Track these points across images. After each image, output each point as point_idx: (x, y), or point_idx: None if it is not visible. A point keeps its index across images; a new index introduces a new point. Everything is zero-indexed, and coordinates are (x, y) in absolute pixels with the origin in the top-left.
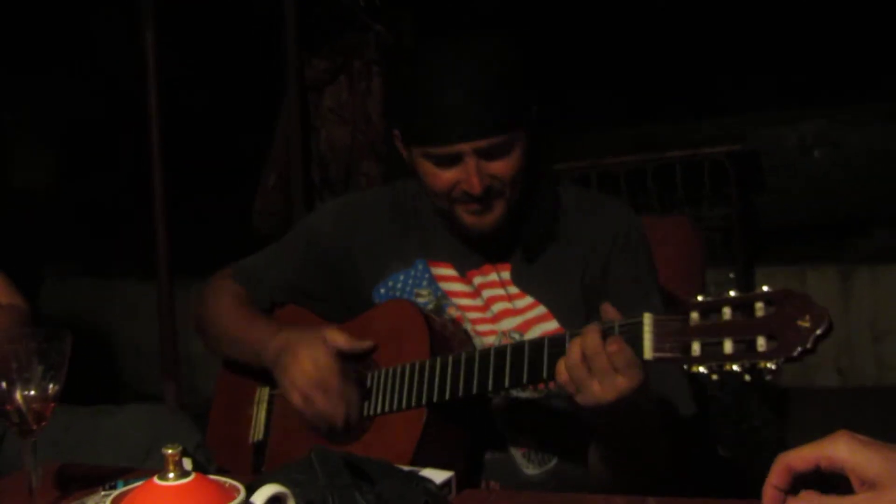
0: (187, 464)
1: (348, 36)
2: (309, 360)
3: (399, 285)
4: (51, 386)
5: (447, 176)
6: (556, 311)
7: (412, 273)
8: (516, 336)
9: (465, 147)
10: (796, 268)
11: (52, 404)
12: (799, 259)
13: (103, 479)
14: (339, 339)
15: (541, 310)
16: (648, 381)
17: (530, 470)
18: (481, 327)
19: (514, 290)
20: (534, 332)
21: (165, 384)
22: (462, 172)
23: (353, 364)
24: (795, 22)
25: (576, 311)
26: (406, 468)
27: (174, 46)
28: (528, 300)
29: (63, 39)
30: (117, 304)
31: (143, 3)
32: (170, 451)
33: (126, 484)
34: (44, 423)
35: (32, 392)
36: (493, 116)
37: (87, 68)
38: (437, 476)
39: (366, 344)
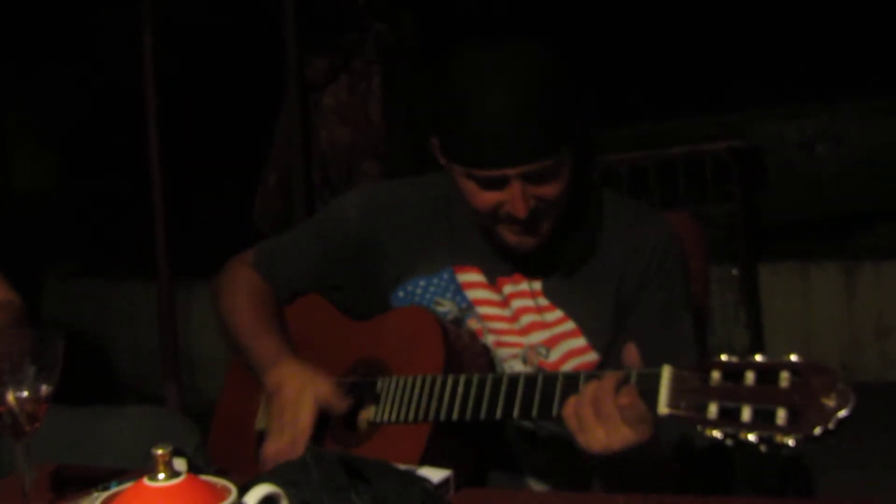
0: (180, 464)
1: (348, 35)
2: (291, 421)
3: (419, 291)
4: (44, 387)
5: (491, 197)
6: (585, 329)
7: (435, 280)
8: (542, 351)
9: (511, 172)
10: (799, 264)
11: (45, 405)
12: (802, 255)
13: (99, 480)
14: (326, 397)
15: (570, 325)
16: (658, 435)
17: (537, 487)
18: (507, 338)
19: (544, 302)
20: (560, 349)
21: (166, 385)
22: (507, 195)
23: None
24: (796, 17)
25: (605, 329)
26: (403, 467)
27: (173, 46)
28: (558, 314)
29: (62, 39)
30: (118, 306)
31: (143, 3)
32: (159, 452)
33: (120, 485)
34: (37, 425)
35: (25, 393)
36: (542, 139)
37: (87, 68)
38: (435, 475)
39: (350, 402)
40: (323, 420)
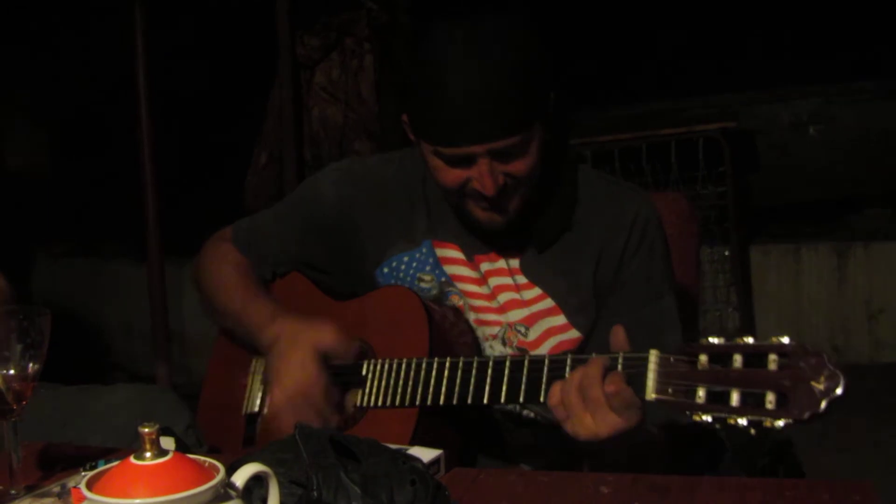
0: (168, 443)
1: (341, 13)
2: (297, 366)
3: (403, 266)
4: (31, 365)
5: (458, 173)
6: (563, 306)
7: (416, 255)
8: (521, 329)
9: (478, 149)
10: (791, 245)
11: (33, 384)
12: (793, 237)
13: (87, 459)
14: (329, 342)
15: (548, 303)
16: (645, 420)
17: (527, 469)
18: (486, 316)
19: (522, 279)
20: (540, 326)
21: (157, 364)
22: (474, 172)
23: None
24: None
25: (585, 306)
26: (393, 446)
27: (164, 24)
28: (537, 291)
29: (53, 21)
30: (109, 285)
31: None
32: (146, 430)
33: (108, 464)
34: (24, 403)
35: (11, 371)
36: (510, 116)
37: (78, 49)
38: (426, 454)
39: (355, 348)
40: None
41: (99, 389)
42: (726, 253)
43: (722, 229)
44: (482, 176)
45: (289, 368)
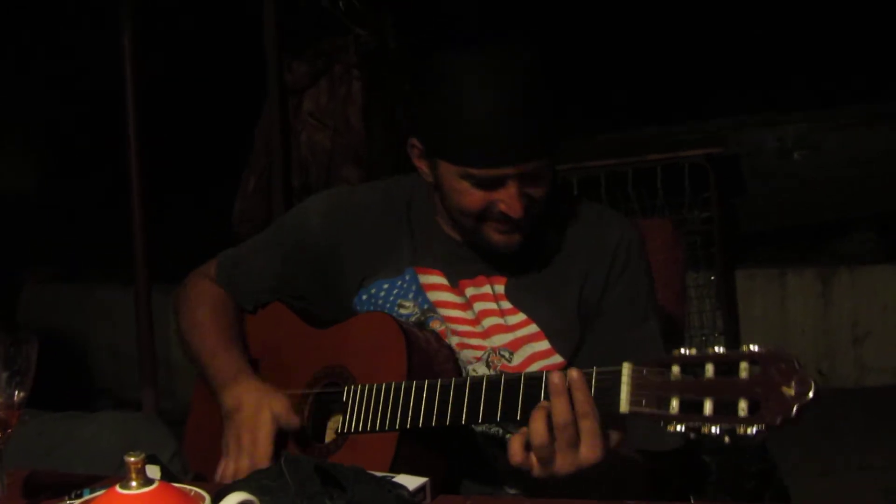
0: (153, 472)
1: (329, 40)
2: (252, 444)
3: (382, 293)
4: (17, 393)
5: (483, 196)
6: (547, 331)
7: (398, 283)
8: (506, 354)
9: (510, 171)
10: (776, 270)
11: (19, 412)
12: (779, 261)
13: (73, 487)
14: (284, 417)
15: (532, 328)
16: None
17: (512, 493)
18: (470, 341)
19: (506, 305)
20: (524, 352)
21: (143, 389)
22: (502, 195)
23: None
24: (776, 26)
25: (569, 332)
26: (379, 474)
27: (152, 49)
28: (521, 317)
29: (41, 42)
30: (96, 310)
31: (121, 5)
32: (132, 459)
33: (93, 492)
34: (9, 431)
35: None
36: (540, 139)
37: (67, 73)
38: (411, 482)
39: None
40: (283, 436)
41: (84, 417)
42: (712, 278)
43: (707, 254)
44: (511, 198)
45: (243, 444)
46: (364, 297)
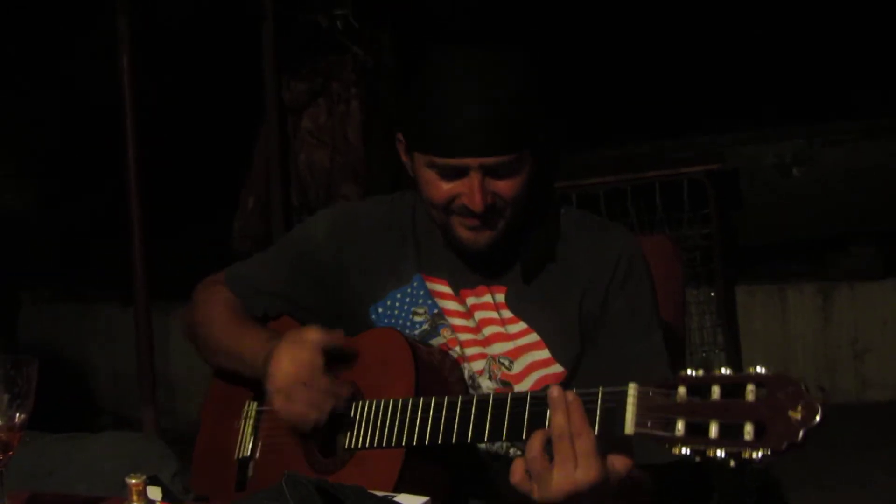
0: (154, 493)
1: (327, 58)
2: (288, 359)
3: (397, 304)
4: (17, 415)
5: (449, 187)
6: (548, 341)
7: (408, 290)
8: (506, 362)
9: (471, 162)
10: (776, 286)
11: (20, 434)
12: (779, 277)
13: None
14: (317, 334)
15: (533, 337)
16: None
17: None
18: (471, 350)
19: (507, 314)
20: (524, 360)
21: (143, 408)
22: (465, 186)
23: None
24: (773, 41)
25: (569, 341)
26: (380, 493)
27: (151, 69)
28: (521, 326)
29: (40, 63)
30: (96, 329)
31: (119, 26)
32: (133, 481)
33: None
34: (10, 454)
35: None
36: (505, 134)
37: (65, 91)
38: (412, 501)
39: (342, 341)
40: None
41: (85, 437)
42: (712, 294)
43: (707, 270)
44: (472, 190)
45: (280, 369)
46: (380, 309)
